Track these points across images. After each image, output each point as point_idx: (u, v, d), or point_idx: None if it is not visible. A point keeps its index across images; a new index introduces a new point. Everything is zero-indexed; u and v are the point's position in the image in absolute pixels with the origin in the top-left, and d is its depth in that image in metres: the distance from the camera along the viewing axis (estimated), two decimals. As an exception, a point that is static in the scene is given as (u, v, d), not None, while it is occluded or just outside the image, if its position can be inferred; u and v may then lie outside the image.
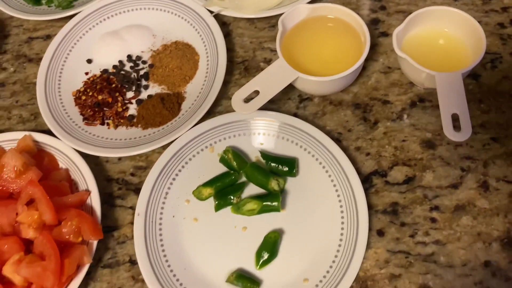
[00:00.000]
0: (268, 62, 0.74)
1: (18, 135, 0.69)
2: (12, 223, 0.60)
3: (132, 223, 0.65)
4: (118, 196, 0.67)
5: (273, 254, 0.59)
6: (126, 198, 0.67)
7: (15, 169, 0.62)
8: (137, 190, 0.67)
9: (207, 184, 0.64)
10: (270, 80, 0.62)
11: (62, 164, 0.68)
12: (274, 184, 0.62)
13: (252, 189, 0.64)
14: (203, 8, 0.76)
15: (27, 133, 0.68)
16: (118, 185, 0.68)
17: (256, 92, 0.62)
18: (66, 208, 0.61)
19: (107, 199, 0.67)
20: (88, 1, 0.82)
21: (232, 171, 0.64)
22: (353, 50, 0.66)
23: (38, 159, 0.67)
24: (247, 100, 0.62)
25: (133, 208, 0.66)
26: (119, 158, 0.70)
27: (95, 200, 0.63)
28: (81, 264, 0.60)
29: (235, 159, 0.64)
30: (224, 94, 0.72)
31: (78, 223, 0.60)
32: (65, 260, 0.57)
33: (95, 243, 0.61)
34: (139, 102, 0.72)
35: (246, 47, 0.76)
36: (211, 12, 0.75)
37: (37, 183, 0.60)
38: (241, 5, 0.74)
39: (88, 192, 0.64)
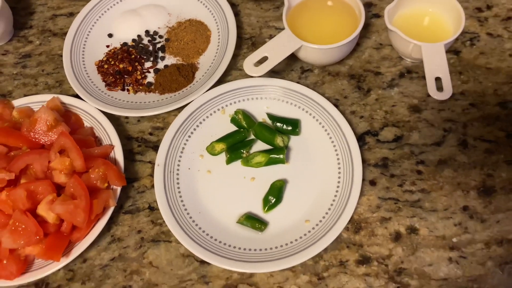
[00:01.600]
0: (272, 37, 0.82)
1: (47, 97, 0.76)
2: (44, 169, 0.67)
3: (150, 175, 0.72)
4: (138, 152, 0.74)
5: (278, 199, 0.67)
6: (145, 154, 0.74)
7: (47, 123, 0.69)
8: (155, 147, 0.74)
9: (220, 140, 0.71)
10: (278, 47, 0.70)
11: (87, 123, 0.75)
12: (279, 141, 0.70)
13: (259, 146, 0.72)
14: (215, -10, 0.84)
15: (55, 95, 0.76)
16: (138, 142, 0.75)
17: (265, 58, 0.70)
18: (93, 157, 0.68)
19: (128, 155, 0.74)
20: (108, -17, 0.90)
21: (242, 130, 0.72)
22: (349, 26, 0.74)
23: (66, 118, 0.74)
24: (257, 65, 0.70)
25: (151, 162, 0.73)
26: (138, 120, 0.77)
27: (118, 153, 0.71)
28: (107, 206, 0.67)
29: (244, 119, 0.72)
30: (233, 66, 0.80)
31: (104, 171, 0.67)
32: (93, 200, 0.64)
33: (118, 189, 0.68)
34: (157, 71, 0.80)
35: (253, 25, 0.84)
36: (222, -7, 0.83)
37: (68, 135, 0.67)
38: (249, -13, 0.83)
39: (112, 146, 0.71)
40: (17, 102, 0.76)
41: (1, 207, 0.64)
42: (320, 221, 0.65)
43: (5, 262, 0.63)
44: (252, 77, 0.72)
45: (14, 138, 0.70)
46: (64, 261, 0.64)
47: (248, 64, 0.70)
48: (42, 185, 0.64)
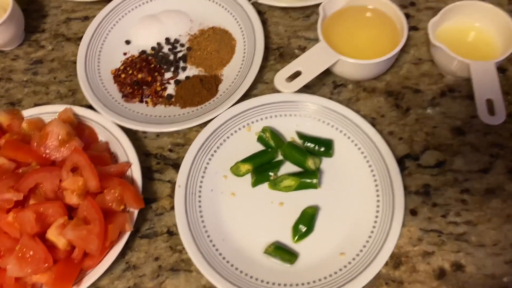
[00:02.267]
0: (303, 49, 0.76)
1: (59, 108, 0.70)
2: (55, 189, 0.61)
3: (170, 195, 0.66)
4: (157, 170, 0.69)
5: (310, 228, 0.61)
6: (164, 172, 0.68)
7: (59, 137, 0.64)
8: (175, 165, 0.69)
9: (246, 160, 0.66)
10: (312, 61, 0.64)
11: (101, 137, 0.69)
12: (310, 163, 0.64)
13: (288, 168, 0.66)
14: (241, -4, 0.78)
15: (67, 106, 0.70)
16: (157, 160, 0.69)
17: (298, 73, 0.65)
18: (108, 177, 0.63)
19: (146, 173, 0.68)
20: (126, -14, 0.84)
21: (269, 149, 0.66)
22: (388, 40, 0.68)
23: (79, 131, 0.68)
24: (289, 80, 0.65)
25: (171, 182, 0.67)
26: (157, 135, 0.71)
27: (135, 172, 0.65)
28: (122, 231, 0.61)
29: (272, 138, 0.66)
30: (259, 78, 0.74)
31: (121, 192, 0.61)
32: (109, 225, 0.58)
33: (135, 212, 0.62)
34: (177, 82, 0.74)
35: (281, 35, 0.78)
36: (248, 0, 0.78)
37: (81, 151, 0.62)
38: (278, -6, 0.77)
39: (129, 163, 0.65)
40: (26, 112, 0.71)
41: (8, 230, 0.58)
42: (357, 255, 0.59)
43: (10, 291, 0.57)
44: (279, 91, 0.67)
45: (23, 153, 0.64)
46: (75, 291, 0.58)
47: (279, 79, 0.64)
48: (52, 207, 0.59)
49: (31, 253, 0.56)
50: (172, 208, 0.65)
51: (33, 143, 0.64)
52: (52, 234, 0.58)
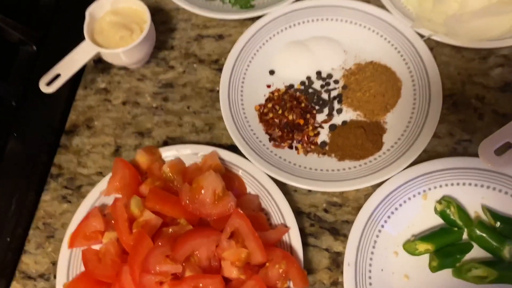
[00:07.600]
0: (482, 100, 0.65)
1: (202, 149, 0.62)
2: (210, 256, 0.53)
3: (329, 268, 0.57)
4: (311, 233, 0.60)
5: (508, 334, 0.52)
6: (320, 237, 0.59)
7: (215, 193, 0.55)
8: (332, 230, 0.59)
9: (426, 239, 0.56)
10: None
11: (250, 189, 0.61)
12: (507, 251, 0.54)
13: (474, 252, 0.56)
14: (410, 29, 0.67)
15: (213, 148, 0.61)
16: (310, 220, 0.60)
17: (507, 145, 0.54)
18: (269, 246, 0.54)
19: (299, 236, 0.59)
20: (268, 3, 0.74)
21: (456, 229, 0.56)
22: None
23: (227, 182, 0.59)
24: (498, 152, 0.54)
25: (329, 250, 0.58)
26: (309, 190, 0.62)
27: (294, 239, 0.56)
28: (286, 314, 0.53)
29: (459, 214, 0.56)
30: (429, 131, 0.64)
31: (286, 267, 0.53)
32: (277, 311, 0.50)
33: (297, 290, 0.54)
34: (333, 127, 0.64)
35: (453, 79, 0.67)
36: (420, 35, 0.66)
37: (243, 215, 0.53)
38: (457, 31, 0.65)
39: (286, 228, 0.57)
40: (164, 152, 0.62)
41: (161, 305, 0.50)
42: None
43: None
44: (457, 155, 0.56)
45: (171, 207, 0.56)
46: None
47: (486, 150, 0.53)
48: (213, 283, 0.51)
49: (191, 337, 0.48)
50: (332, 284, 0.56)
51: (183, 197, 0.55)
52: (213, 316, 0.50)
